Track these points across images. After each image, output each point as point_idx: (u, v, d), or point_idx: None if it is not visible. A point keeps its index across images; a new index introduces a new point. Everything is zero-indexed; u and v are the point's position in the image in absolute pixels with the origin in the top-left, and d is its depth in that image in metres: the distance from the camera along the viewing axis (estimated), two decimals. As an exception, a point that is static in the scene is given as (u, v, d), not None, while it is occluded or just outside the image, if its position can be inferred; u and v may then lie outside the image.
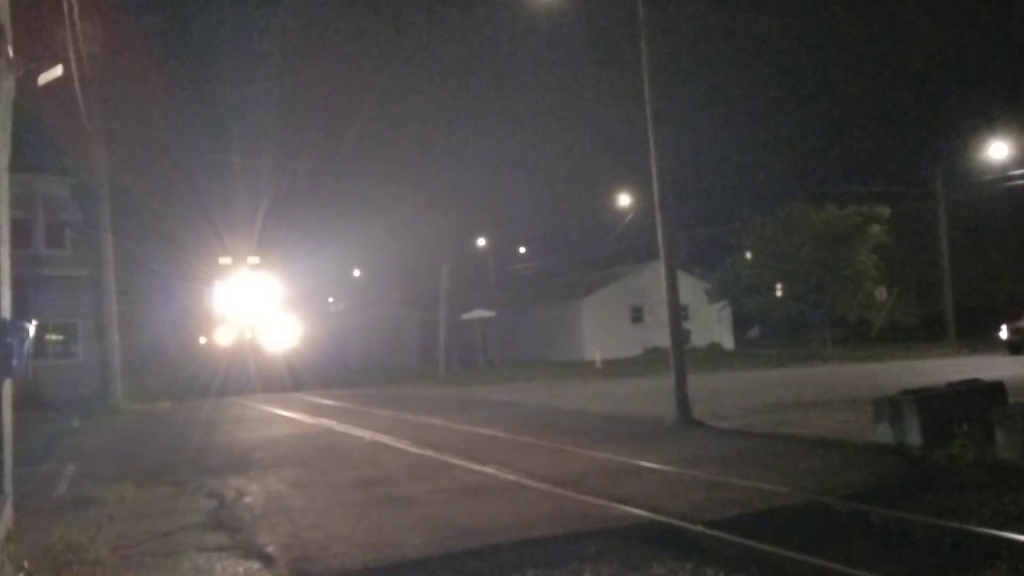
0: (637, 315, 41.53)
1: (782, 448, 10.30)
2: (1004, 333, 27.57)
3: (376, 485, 8.96)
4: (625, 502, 7.36)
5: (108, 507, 8.04)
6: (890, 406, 9.83)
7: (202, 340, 28.44)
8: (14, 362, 6.04)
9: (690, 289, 37.91)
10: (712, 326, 42.61)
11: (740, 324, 46.03)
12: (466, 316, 37.92)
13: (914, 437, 9.42)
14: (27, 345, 6.17)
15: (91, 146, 21.90)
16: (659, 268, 14.98)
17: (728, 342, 43.11)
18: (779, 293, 39.70)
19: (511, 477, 8.95)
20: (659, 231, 14.32)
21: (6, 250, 6.38)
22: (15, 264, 6.68)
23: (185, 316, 30.14)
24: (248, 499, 8.56)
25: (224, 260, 28.27)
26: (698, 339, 39.51)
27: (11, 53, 6.65)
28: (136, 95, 25.86)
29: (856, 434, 10.64)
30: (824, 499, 7.20)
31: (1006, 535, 5.87)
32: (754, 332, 50.45)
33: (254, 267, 28.50)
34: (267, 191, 29.39)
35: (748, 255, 38.27)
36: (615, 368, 31.00)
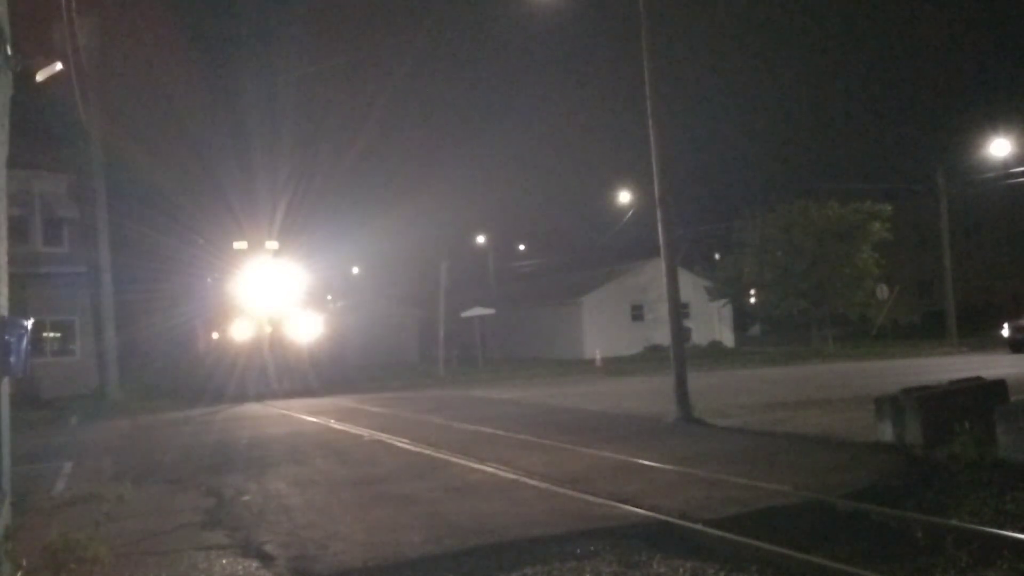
0: (637, 313, 41.50)
1: (783, 446, 10.27)
2: (1006, 331, 27.57)
3: (375, 483, 8.93)
4: (625, 500, 7.33)
5: (106, 505, 8.02)
6: (891, 404, 9.80)
7: (215, 335, 24.87)
8: (12, 360, 6.00)
9: (691, 287, 37.90)
10: (713, 324, 42.58)
11: (741, 322, 46.04)
12: (465, 314, 37.82)
13: (915, 436, 9.40)
14: (25, 343, 6.14)
15: (88, 141, 21.89)
16: (659, 265, 14.95)
17: (729, 340, 43.10)
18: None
19: (510, 475, 8.93)
20: (659, 228, 14.29)
21: (4, 247, 6.34)
22: (12, 261, 6.65)
23: (196, 308, 26.71)
24: (246, 497, 8.52)
25: (239, 245, 25.06)
26: (699, 337, 39.51)
27: (9, 50, 6.61)
28: (149, 76, 25.51)
29: (857, 433, 10.61)
30: (825, 498, 7.17)
31: (1008, 534, 5.84)
32: (755, 330, 50.48)
33: (274, 253, 25.11)
34: (285, 172, 27.40)
35: (748, 253, 38.26)
36: (615, 366, 30.98)
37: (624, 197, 42.17)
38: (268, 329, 23.93)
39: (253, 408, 19.68)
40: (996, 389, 10.36)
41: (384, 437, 12.79)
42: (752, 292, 39.63)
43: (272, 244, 25.28)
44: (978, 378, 11.17)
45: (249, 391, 22.04)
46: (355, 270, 56.54)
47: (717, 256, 45.35)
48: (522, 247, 63.45)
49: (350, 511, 7.64)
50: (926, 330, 41.32)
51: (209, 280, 26.13)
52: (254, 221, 25.44)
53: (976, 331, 34.94)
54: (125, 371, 24.15)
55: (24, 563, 5.78)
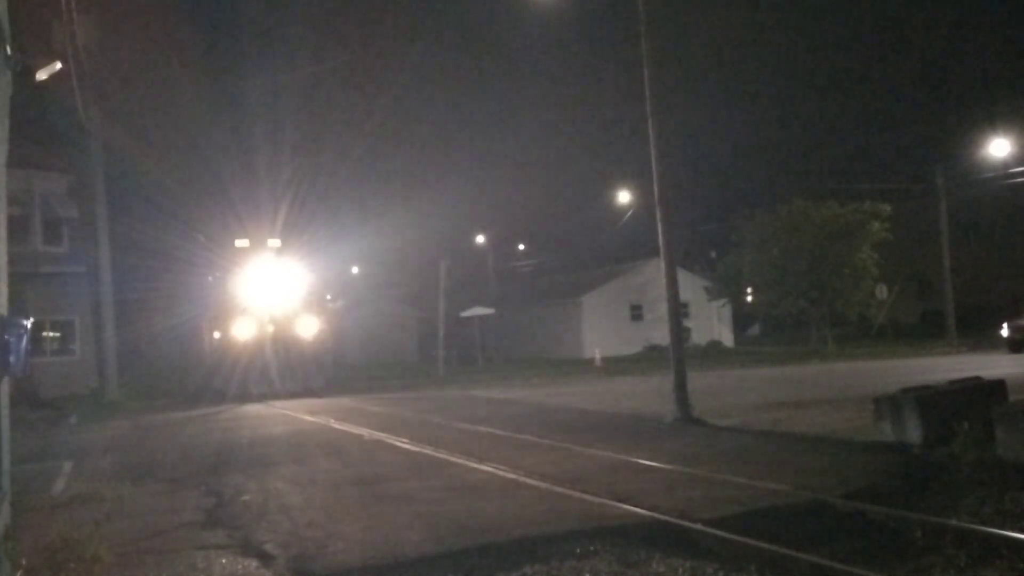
0: (637, 313, 41.54)
1: (782, 446, 10.28)
2: (1005, 331, 27.56)
3: (375, 483, 8.93)
4: (624, 500, 7.34)
5: (106, 505, 8.02)
6: (890, 404, 9.81)
7: (216, 334, 24.32)
8: (11, 359, 6.00)
9: (690, 286, 37.92)
10: (712, 323, 42.61)
11: (740, 321, 46.06)
12: (465, 314, 37.84)
13: (914, 435, 9.41)
14: (24, 342, 6.14)
15: (88, 140, 21.87)
16: (659, 265, 14.96)
17: (728, 340, 43.12)
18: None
19: (510, 475, 8.93)
20: (659, 228, 14.29)
21: (3, 247, 6.34)
22: (12, 261, 6.65)
23: (197, 307, 26.05)
24: (246, 497, 8.52)
25: (241, 242, 24.32)
26: (698, 337, 39.53)
27: (9, 50, 6.61)
28: (151, 74, 25.32)
29: (856, 432, 10.62)
30: (824, 497, 7.17)
31: (1007, 534, 5.84)
32: (754, 329, 50.49)
33: (276, 251, 24.44)
34: (288, 168, 26.77)
35: (748, 252, 38.29)
36: (615, 366, 30.99)
37: (624, 197, 42.19)
38: (270, 328, 23.41)
39: (254, 408, 19.67)
40: (995, 389, 10.36)
41: (384, 437, 12.79)
42: (748, 291, 39.72)
43: (275, 242, 24.65)
44: (977, 378, 11.17)
45: (252, 391, 21.72)
46: (355, 270, 56.48)
47: (713, 254, 45.54)
48: (522, 247, 63.41)
49: (350, 510, 7.64)
50: (925, 330, 41.35)
51: (210, 278, 25.69)
52: (256, 218, 24.87)
53: (975, 331, 34.93)
54: (125, 371, 24.10)
55: (24, 562, 5.77)
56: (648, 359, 33.49)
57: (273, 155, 27.94)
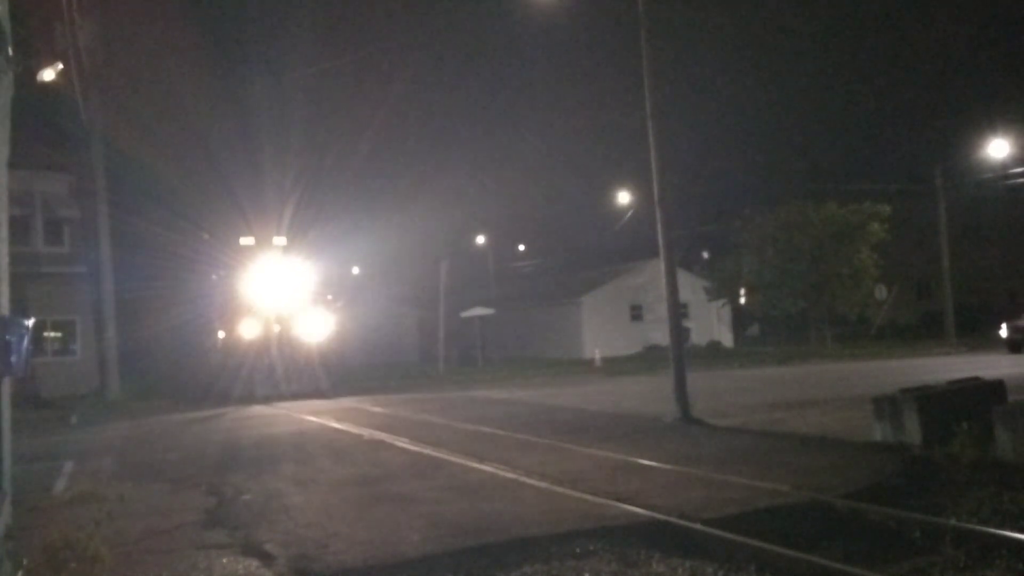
0: (636, 313, 41.55)
1: (781, 446, 10.29)
2: (1004, 331, 27.59)
3: (375, 483, 8.95)
4: (624, 500, 7.35)
5: (106, 504, 8.03)
6: (890, 404, 9.83)
7: (220, 334, 23.93)
8: (12, 359, 6.01)
9: (690, 287, 37.94)
10: (712, 324, 42.61)
11: (740, 322, 46.08)
12: (465, 314, 37.83)
13: (914, 436, 9.42)
14: (25, 342, 6.15)
15: (90, 139, 21.89)
16: (658, 266, 14.97)
17: (728, 340, 43.11)
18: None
19: (510, 475, 8.95)
20: (659, 228, 14.31)
21: (5, 247, 6.36)
22: (13, 261, 6.67)
23: (201, 306, 25.35)
24: (247, 496, 8.54)
25: (246, 240, 23.91)
26: (698, 337, 39.53)
27: (11, 51, 6.63)
28: (154, 72, 25.26)
29: (856, 432, 10.63)
30: (824, 497, 7.19)
31: (1006, 534, 5.86)
32: (754, 330, 50.46)
33: (282, 249, 24.00)
34: (294, 166, 26.43)
35: (747, 253, 38.33)
36: (615, 366, 31.00)
37: (624, 197, 42.19)
38: (276, 328, 23.00)
39: (257, 408, 19.66)
40: (994, 389, 10.37)
41: (384, 437, 12.81)
42: (742, 292, 39.77)
43: (280, 240, 24.24)
44: (976, 378, 11.18)
45: (256, 392, 21.41)
46: (355, 270, 56.46)
47: (705, 255, 45.70)
48: (522, 247, 63.39)
49: (350, 510, 7.66)
50: (924, 330, 41.39)
51: (215, 277, 25.47)
52: (261, 216, 24.43)
53: (974, 331, 34.98)
54: (127, 371, 24.03)
55: (25, 562, 5.79)
56: (648, 359, 33.49)
57: (278, 153, 27.73)
